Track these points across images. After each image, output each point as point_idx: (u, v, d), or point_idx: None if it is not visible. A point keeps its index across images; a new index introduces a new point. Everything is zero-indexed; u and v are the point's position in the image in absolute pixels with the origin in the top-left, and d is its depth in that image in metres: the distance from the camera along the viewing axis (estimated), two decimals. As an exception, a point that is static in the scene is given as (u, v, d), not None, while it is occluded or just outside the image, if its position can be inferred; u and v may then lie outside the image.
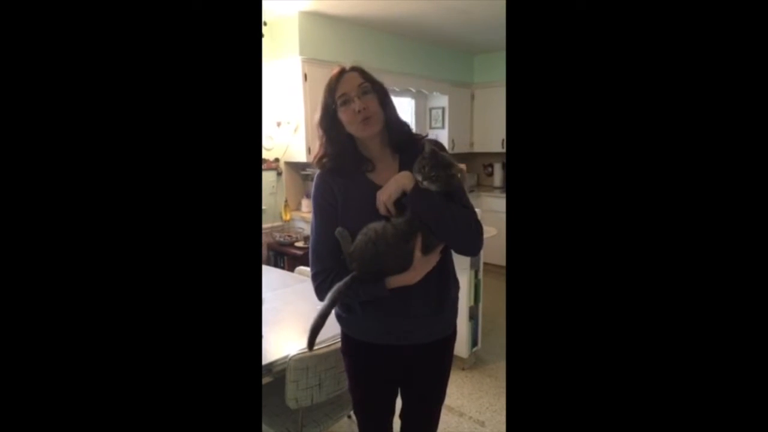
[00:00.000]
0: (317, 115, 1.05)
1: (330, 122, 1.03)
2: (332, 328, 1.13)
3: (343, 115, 1.00)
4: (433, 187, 0.96)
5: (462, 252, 1.07)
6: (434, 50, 3.92)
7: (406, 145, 1.07)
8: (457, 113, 4.29)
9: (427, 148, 0.98)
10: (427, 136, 1.10)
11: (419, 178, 0.97)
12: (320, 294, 1.04)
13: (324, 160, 1.06)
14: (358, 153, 1.05)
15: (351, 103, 0.99)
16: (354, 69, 1.03)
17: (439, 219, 0.96)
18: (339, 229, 1.01)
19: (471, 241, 1.02)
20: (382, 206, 0.98)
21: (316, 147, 1.08)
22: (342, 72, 1.02)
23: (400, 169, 1.04)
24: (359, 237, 0.98)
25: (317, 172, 1.08)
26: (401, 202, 0.98)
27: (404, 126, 1.09)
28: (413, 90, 3.85)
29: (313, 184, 1.08)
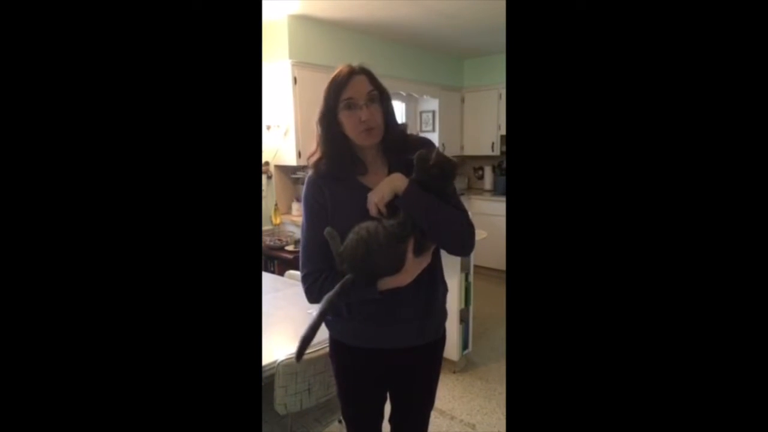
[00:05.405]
0: (317, 112, 1.02)
1: (330, 122, 1.00)
2: (321, 332, 1.11)
3: (346, 120, 0.99)
4: (429, 178, 0.96)
5: (454, 252, 1.06)
6: (424, 54, 3.93)
7: (398, 148, 1.06)
8: (448, 117, 4.31)
9: (434, 156, 0.98)
10: (416, 133, 1.09)
11: (419, 175, 0.96)
12: (310, 295, 1.04)
13: (320, 163, 1.03)
14: (353, 155, 1.04)
15: (357, 110, 0.97)
16: (363, 71, 1.00)
17: (432, 220, 0.96)
18: (328, 228, 1.00)
19: (464, 241, 1.02)
20: (374, 207, 0.97)
21: (313, 146, 1.06)
22: (351, 73, 0.98)
23: (390, 171, 1.03)
24: (350, 236, 0.97)
25: (308, 173, 1.07)
26: (393, 203, 0.97)
27: (400, 132, 1.08)
28: (403, 93, 3.86)
29: (304, 185, 1.07)
